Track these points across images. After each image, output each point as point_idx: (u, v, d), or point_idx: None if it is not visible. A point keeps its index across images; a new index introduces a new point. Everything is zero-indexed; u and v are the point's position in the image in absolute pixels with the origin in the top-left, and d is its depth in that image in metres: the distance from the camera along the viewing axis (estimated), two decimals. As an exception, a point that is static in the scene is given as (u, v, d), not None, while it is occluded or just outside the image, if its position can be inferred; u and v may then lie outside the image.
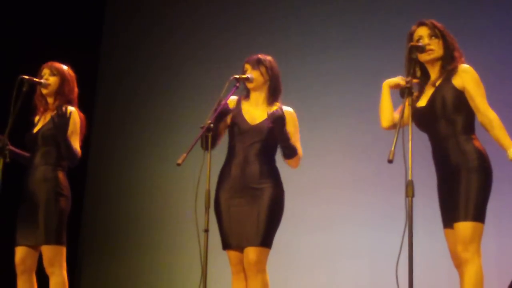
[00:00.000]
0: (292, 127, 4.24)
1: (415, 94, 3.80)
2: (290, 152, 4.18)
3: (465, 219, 3.54)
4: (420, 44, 3.72)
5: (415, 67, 3.79)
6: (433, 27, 3.80)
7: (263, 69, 4.31)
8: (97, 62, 7.90)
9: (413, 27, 3.86)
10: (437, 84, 3.76)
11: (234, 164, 4.21)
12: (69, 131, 4.42)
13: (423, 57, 3.79)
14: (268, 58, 4.37)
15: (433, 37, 3.79)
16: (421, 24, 3.84)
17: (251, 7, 7.17)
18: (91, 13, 7.76)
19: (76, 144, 4.48)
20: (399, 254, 3.31)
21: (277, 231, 4.14)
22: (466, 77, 3.68)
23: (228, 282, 4.30)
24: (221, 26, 7.27)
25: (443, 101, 3.68)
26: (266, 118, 4.19)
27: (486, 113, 3.64)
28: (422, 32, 3.81)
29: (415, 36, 3.82)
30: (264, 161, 4.17)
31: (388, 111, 3.93)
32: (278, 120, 4.07)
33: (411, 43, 3.70)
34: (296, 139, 4.24)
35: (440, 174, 3.74)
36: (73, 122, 4.49)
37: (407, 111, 3.49)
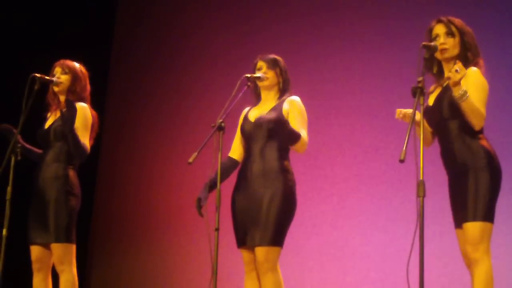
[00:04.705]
0: (295, 113, 4.20)
1: (431, 89, 3.81)
2: (290, 137, 4.10)
3: (474, 219, 3.52)
4: (432, 44, 3.69)
5: (433, 66, 3.79)
6: (449, 25, 3.76)
7: (278, 70, 4.34)
8: (109, 60, 7.92)
9: (432, 23, 3.82)
10: (444, 84, 3.75)
11: (245, 164, 4.25)
12: (76, 126, 4.43)
13: (438, 55, 3.77)
14: (281, 58, 4.39)
15: (449, 35, 3.76)
16: (439, 21, 3.80)
17: (262, 7, 7.18)
18: (103, 11, 7.79)
19: (84, 139, 4.48)
20: (410, 254, 3.30)
21: (288, 228, 4.12)
22: (469, 80, 3.63)
23: (238, 281, 4.30)
24: (232, 26, 7.28)
25: (450, 102, 3.65)
26: (268, 111, 4.22)
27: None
28: (439, 30, 3.77)
29: (433, 34, 3.79)
30: (269, 158, 4.16)
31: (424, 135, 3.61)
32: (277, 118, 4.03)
33: (423, 43, 3.66)
34: (300, 124, 4.18)
35: (450, 174, 3.72)
36: (82, 117, 4.50)
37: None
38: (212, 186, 4.17)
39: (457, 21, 3.80)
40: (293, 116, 4.18)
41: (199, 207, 4.13)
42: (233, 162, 4.35)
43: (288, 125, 4.05)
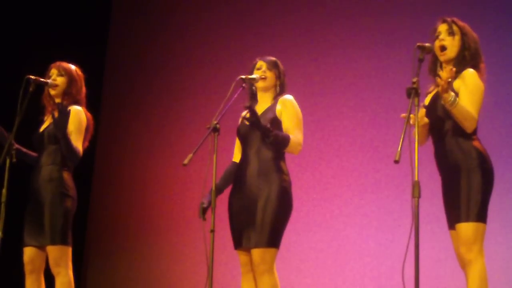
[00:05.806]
0: (288, 113, 4.19)
1: (430, 89, 3.83)
2: (277, 144, 4.10)
3: (467, 219, 3.54)
4: (427, 44, 3.69)
5: (436, 68, 3.81)
6: (451, 24, 3.81)
7: (277, 72, 4.33)
8: (104, 62, 7.92)
9: (437, 23, 3.87)
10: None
11: (241, 166, 4.23)
12: (70, 129, 4.42)
13: (440, 56, 3.80)
14: (279, 61, 4.38)
15: (450, 34, 3.79)
16: (443, 21, 3.85)
17: (257, 6, 7.18)
18: (98, 13, 7.79)
19: (77, 143, 4.46)
20: (406, 255, 3.30)
21: (284, 229, 4.10)
22: (464, 81, 3.65)
23: (233, 282, 4.30)
24: (226, 26, 7.28)
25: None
26: (261, 113, 4.19)
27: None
28: (441, 28, 3.83)
29: (437, 33, 3.83)
30: (264, 159, 4.14)
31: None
32: (251, 114, 3.98)
33: (418, 44, 3.67)
34: (293, 125, 4.17)
35: (443, 175, 3.74)
36: (76, 120, 4.48)
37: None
38: (218, 192, 4.13)
39: (462, 23, 3.84)
40: (286, 116, 4.18)
41: (202, 210, 4.11)
42: (236, 167, 4.33)
43: (271, 133, 4.03)
